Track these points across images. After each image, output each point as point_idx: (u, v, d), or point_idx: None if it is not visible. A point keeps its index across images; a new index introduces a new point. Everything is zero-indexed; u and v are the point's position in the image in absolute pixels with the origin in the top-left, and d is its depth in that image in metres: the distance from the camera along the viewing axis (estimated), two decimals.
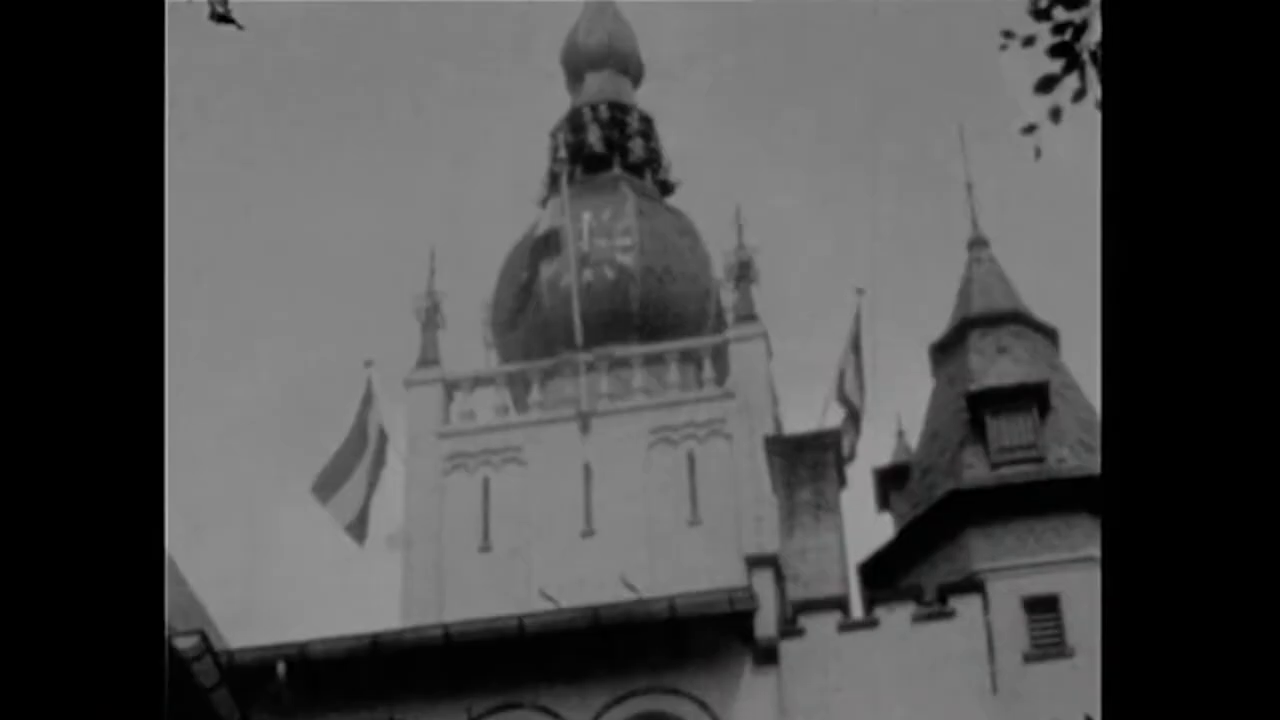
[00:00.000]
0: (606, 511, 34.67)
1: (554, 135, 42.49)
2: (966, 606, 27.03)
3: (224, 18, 9.99)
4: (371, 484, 34.29)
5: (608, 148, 41.80)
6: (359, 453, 34.40)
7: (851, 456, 31.81)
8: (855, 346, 33.40)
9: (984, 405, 29.88)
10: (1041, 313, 32.20)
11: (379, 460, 34.50)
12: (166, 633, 23.47)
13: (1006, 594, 27.13)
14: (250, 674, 26.91)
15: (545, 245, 36.63)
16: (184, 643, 23.63)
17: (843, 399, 32.83)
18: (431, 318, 38.20)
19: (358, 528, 33.97)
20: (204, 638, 23.88)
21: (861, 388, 32.99)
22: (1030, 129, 10.32)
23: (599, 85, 43.07)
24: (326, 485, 34.03)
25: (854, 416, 32.74)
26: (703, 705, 26.75)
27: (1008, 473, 29.02)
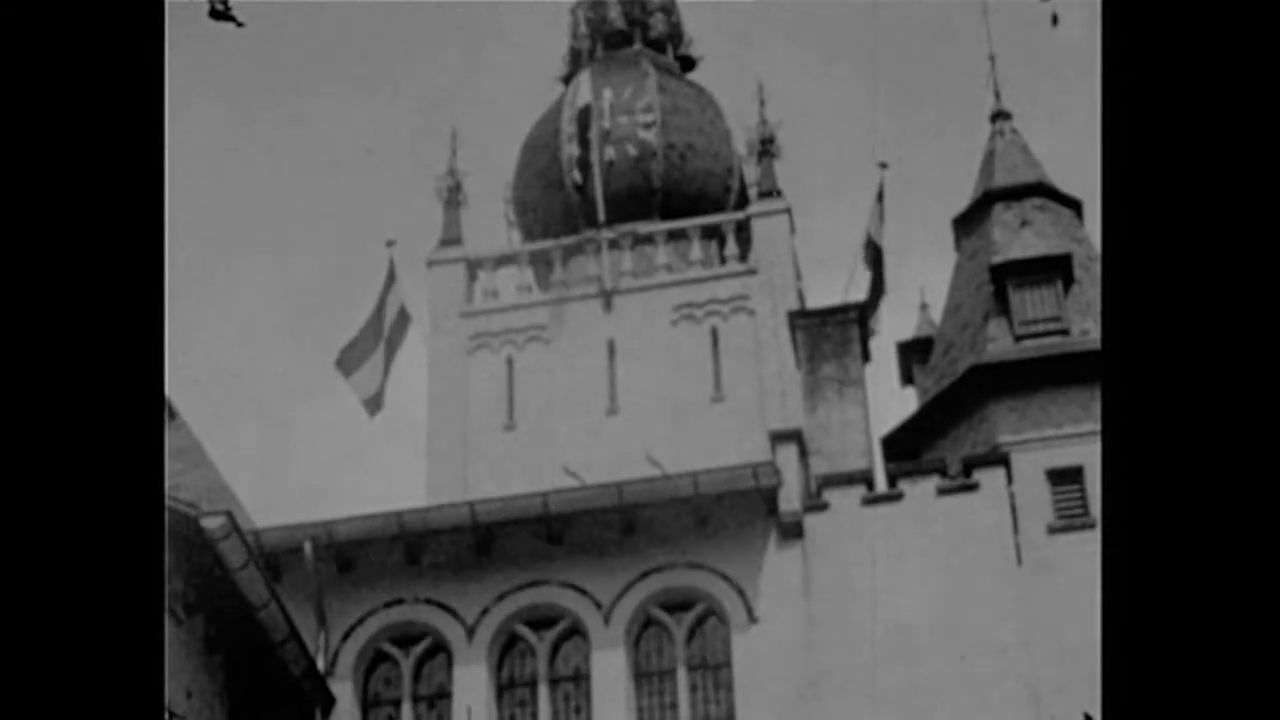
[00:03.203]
0: (630, 389, 34.69)
1: (574, 11, 42.21)
2: (990, 479, 27.06)
3: (224, 15, 10.01)
4: (389, 360, 34.25)
5: (628, 24, 41.53)
6: (380, 331, 34.40)
7: (874, 331, 31.76)
8: (878, 221, 33.24)
9: (1007, 278, 29.80)
10: (1065, 185, 32.07)
11: (397, 338, 34.47)
12: (193, 514, 23.61)
13: (1030, 466, 27.16)
14: (277, 554, 27.11)
15: (585, 120, 36.41)
16: (211, 523, 23.78)
17: (870, 270, 32.72)
18: (453, 197, 38.09)
19: (374, 402, 33.95)
20: (231, 518, 24.01)
21: (883, 262, 32.85)
22: None
23: None
24: (350, 360, 34.04)
25: (877, 291, 32.63)
26: (728, 580, 26.86)
27: (1031, 345, 28.97)
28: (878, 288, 32.71)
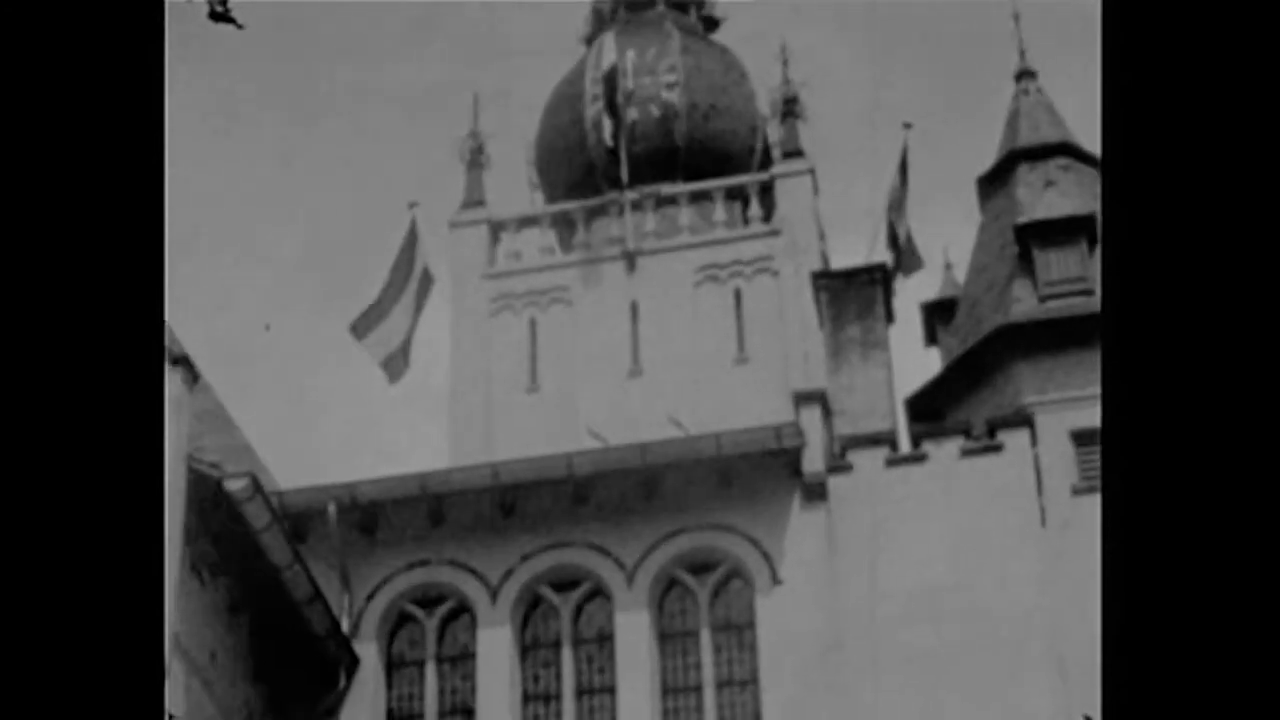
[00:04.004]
0: (653, 350, 34.64)
1: None
2: (1015, 440, 27.00)
3: (223, 16, 10.00)
4: (413, 322, 34.16)
5: None
6: (400, 292, 34.29)
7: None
8: (902, 181, 33.11)
9: (1032, 238, 29.69)
10: (1090, 145, 31.89)
11: (420, 299, 34.38)
12: (216, 476, 23.64)
13: (1055, 427, 27.08)
14: (301, 516, 27.13)
15: (610, 81, 36.28)
16: (234, 485, 23.84)
17: (891, 234, 32.58)
18: (476, 158, 38.01)
19: (395, 365, 33.84)
20: (254, 480, 24.07)
21: (907, 223, 32.71)
22: None
23: None
24: (364, 324, 33.96)
25: (900, 252, 32.50)
26: (752, 541, 26.85)
27: (1056, 306, 28.87)
28: (905, 252, 32.50)
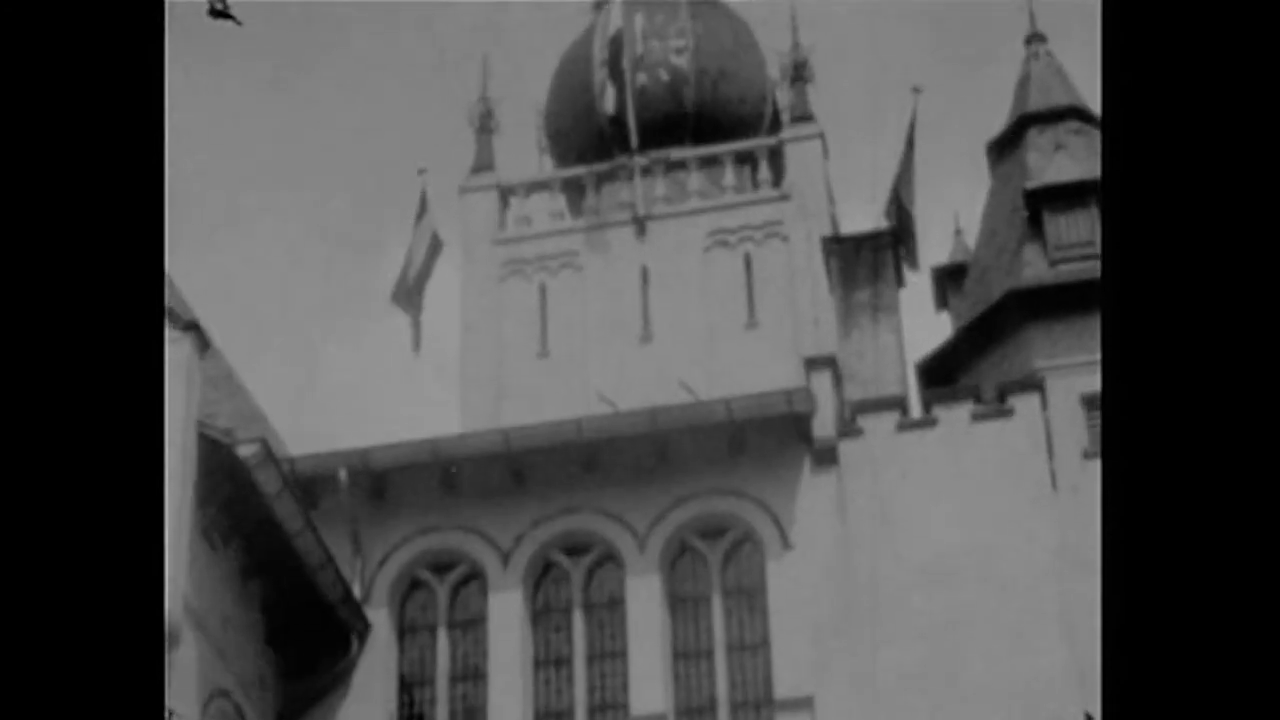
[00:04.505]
0: (664, 315, 34.64)
1: None
2: (1025, 404, 26.99)
3: (223, 13, 10.01)
4: (421, 288, 34.16)
5: None
6: (414, 256, 34.35)
7: (910, 258, 31.56)
8: (910, 146, 33.04)
9: (1042, 202, 29.66)
10: (1100, 109, 31.81)
11: (429, 264, 34.39)
12: (228, 442, 23.65)
13: (1065, 391, 27.08)
14: (312, 481, 27.16)
15: (618, 47, 36.22)
16: (246, 450, 23.86)
17: (898, 199, 32.50)
18: (485, 123, 37.98)
19: (416, 334, 33.95)
20: (265, 445, 24.09)
21: (914, 189, 32.61)
22: None
23: None
24: (401, 293, 34.05)
25: (908, 218, 32.41)
26: (762, 506, 26.87)
27: (1066, 270, 28.85)
28: (905, 221, 32.38)
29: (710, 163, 36.72)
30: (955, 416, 27.10)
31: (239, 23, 10.05)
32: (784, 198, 35.65)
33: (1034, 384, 27.22)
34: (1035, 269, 29.21)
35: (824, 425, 27.00)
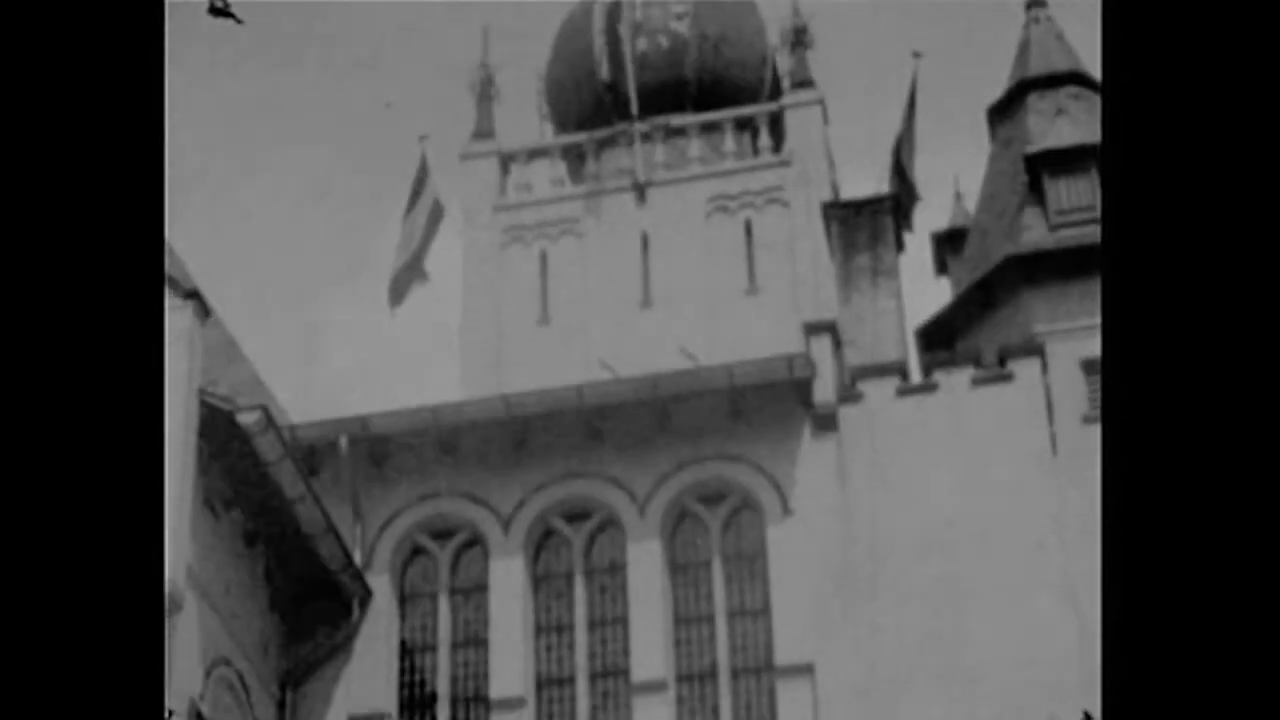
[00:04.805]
0: (664, 281, 34.63)
1: None
2: (1025, 369, 27.01)
3: (223, 12, 10.01)
4: (419, 252, 34.05)
5: None
6: (412, 226, 34.27)
7: (908, 225, 31.53)
8: (911, 111, 32.99)
9: (1042, 167, 29.63)
10: (1101, 73, 31.74)
11: (430, 231, 34.33)
12: (229, 409, 23.68)
13: (1065, 356, 27.08)
14: (313, 448, 27.20)
15: (616, 12, 36.15)
16: (247, 418, 23.89)
17: (898, 165, 32.45)
18: (486, 90, 37.93)
19: (395, 290, 33.74)
20: (266, 412, 24.12)
21: (914, 154, 32.56)
22: None
23: None
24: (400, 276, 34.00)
25: (909, 183, 32.36)
26: (763, 471, 26.89)
27: (1066, 235, 28.83)
28: (906, 185, 32.32)
29: (710, 129, 36.69)
30: (955, 381, 27.12)
31: (239, 21, 10.06)
32: (784, 163, 35.63)
33: (1034, 349, 27.22)
34: (1035, 233, 29.19)
35: (824, 390, 27.02)
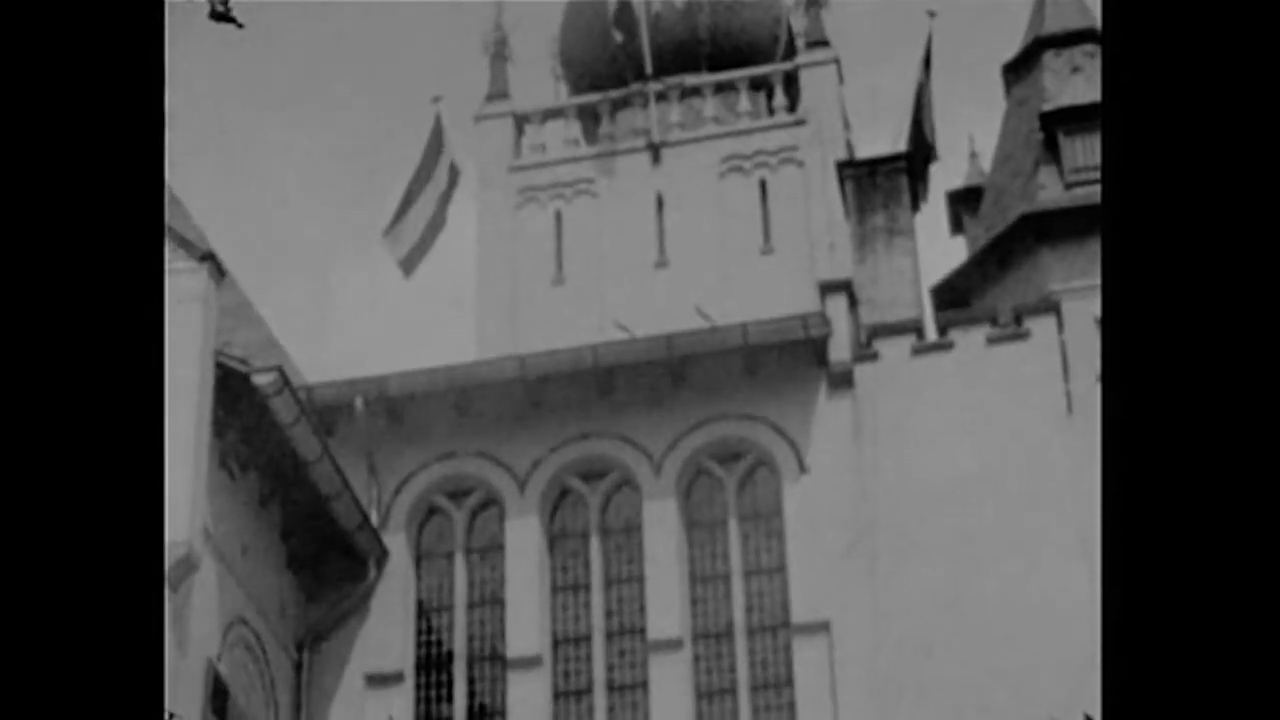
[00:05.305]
0: (679, 241, 34.58)
1: None
2: (1041, 327, 26.99)
3: (224, 16, 9.98)
4: (437, 219, 34.07)
5: None
6: (423, 187, 34.22)
7: (924, 183, 31.46)
8: (926, 69, 32.88)
9: (1058, 125, 29.56)
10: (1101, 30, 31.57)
11: (447, 193, 34.31)
12: (244, 370, 23.70)
13: (1081, 313, 27.03)
14: (329, 409, 27.26)
15: None
16: (262, 379, 23.92)
17: (915, 124, 32.35)
18: (500, 51, 37.84)
19: (411, 259, 33.76)
20: (282, 373, 24.15)
21: (932, 113, 32.46)
22: None
23: None
24: (393, 224, 33.96)
25: (925, 143, 32.27)
26: (778, 430, 26.91)
27: (1082, 193, 28.76)
28: (923, 144, 32.20)
29: (725, 88, 36.58)
30: (971, 340, 27.11)
31: (240, 25, 10.04)
32: (799, 123, 35.52)
33: (1049, 306, 27.20)
34: (1051, 192, 29.14)
35: (839, 349, 27.02)
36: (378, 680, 26.53)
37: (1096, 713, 11.23)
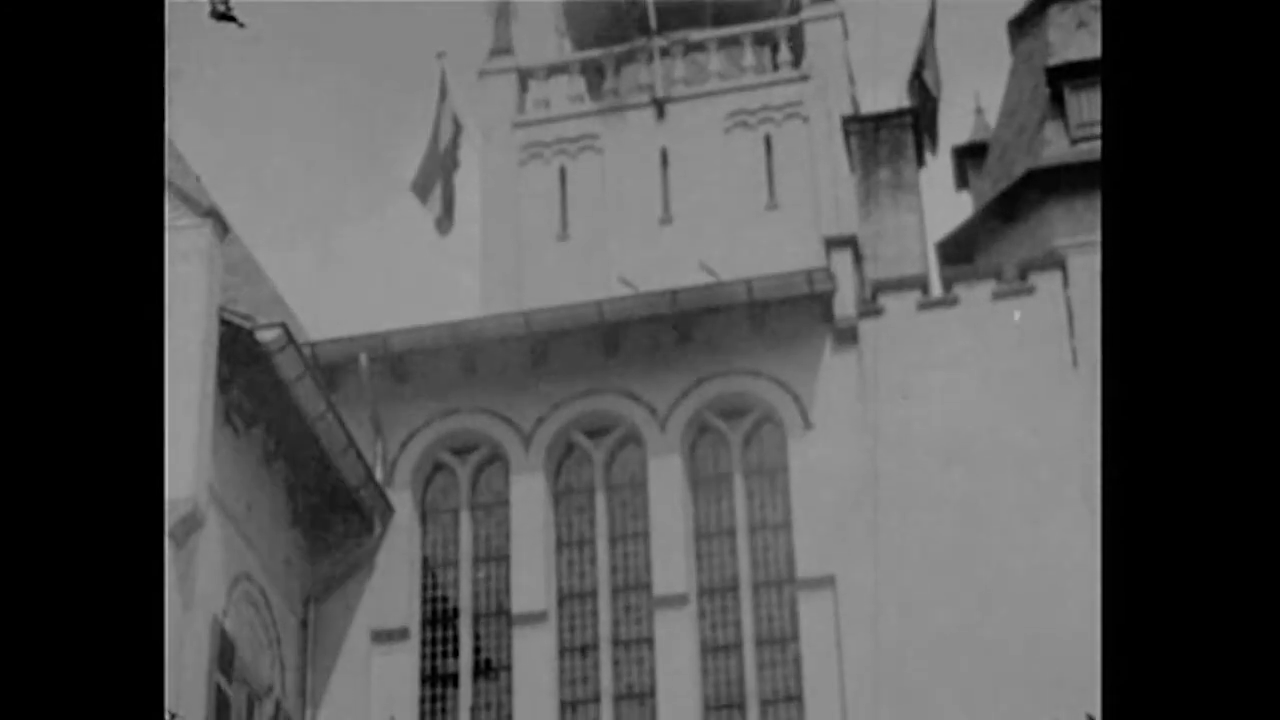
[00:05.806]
0: (684, 197, 34.51)
1: None
2: (1046, 282, 26.95)
3: (225, 16, 9.93)
4: (447, 176, 34.11)
5: None
6: (438, 145, 34.22)
7: (932, 138, 31.37)
8: (932, 24, 32.77)
9: (1063, 80, 29.47)
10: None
11: (452, 152, 34.28)
12: (249, 327, 23.68)
13: (1086, 269, 26.99)
14: (333, 366, 27.26)
15: None
16: (266, 335, 23.91)
17: (919, 79, 32.26)
18: (504, 6, 37.72)
19: (444, 221, 33.87)
20: (286, 330, 24.14)
21: (937, 69, 32.36)
22: None
23: None
24: (423, 183, 33.94)
25: (930, 97, 32.18)
26: (783, 386, 26.91)
27: (1088, 148, 28.68)
28: (929, 99, 32.10)
29: (730, 43, 36.46)
30: (976, 295, 27.08)
31: (241, 25, 10.00)
32: (804, 78, 35.41)
33: (1055, 262, 27.16)
34: (1056, 147, 29.07)
35: (845, 305, 27.00)
36: (383, 636, 26.57)
37: (1097, 712, 11.21)
